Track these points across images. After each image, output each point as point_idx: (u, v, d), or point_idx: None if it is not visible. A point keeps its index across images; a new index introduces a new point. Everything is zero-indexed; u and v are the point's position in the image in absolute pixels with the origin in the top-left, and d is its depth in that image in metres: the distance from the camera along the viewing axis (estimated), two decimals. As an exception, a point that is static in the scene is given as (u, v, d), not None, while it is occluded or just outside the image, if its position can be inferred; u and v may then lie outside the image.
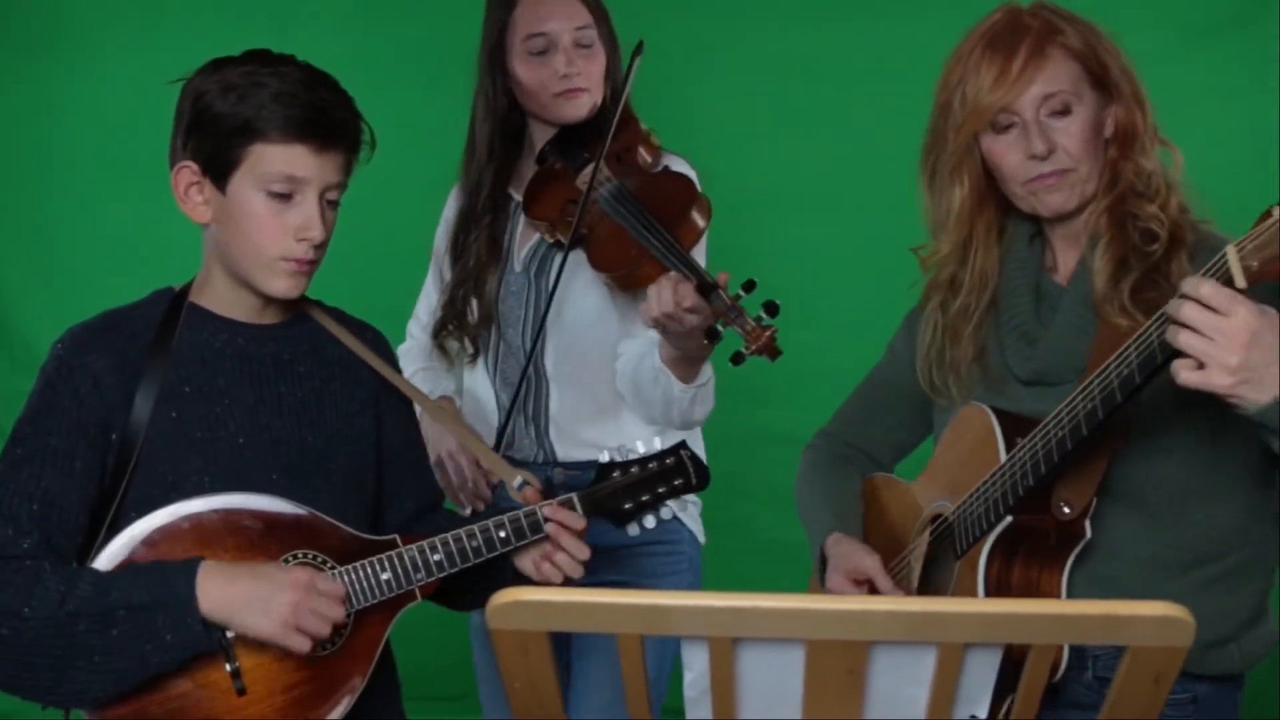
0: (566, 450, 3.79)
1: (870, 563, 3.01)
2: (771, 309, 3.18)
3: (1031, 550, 2.77)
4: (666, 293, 3.24)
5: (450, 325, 3.87)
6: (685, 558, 3.83)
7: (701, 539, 3.91)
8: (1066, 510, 2.72)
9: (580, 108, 3.75)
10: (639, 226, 3.50)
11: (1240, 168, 5.26)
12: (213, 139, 2.77)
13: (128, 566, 2.71)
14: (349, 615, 2.81)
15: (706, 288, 3.25)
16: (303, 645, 2.68)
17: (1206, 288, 2.32)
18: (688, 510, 3.82)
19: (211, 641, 2.67)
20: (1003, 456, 2.78)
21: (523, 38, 3.73)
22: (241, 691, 2.73)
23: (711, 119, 5.57)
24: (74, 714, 2.76)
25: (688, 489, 3.08)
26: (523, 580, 3.00)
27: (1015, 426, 2.81)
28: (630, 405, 3.71)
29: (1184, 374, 2.38)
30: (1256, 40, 5.46)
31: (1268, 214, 2.24)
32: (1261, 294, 2.38)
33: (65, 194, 5.82)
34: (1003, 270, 2.98)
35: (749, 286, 3.23)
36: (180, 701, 2.71)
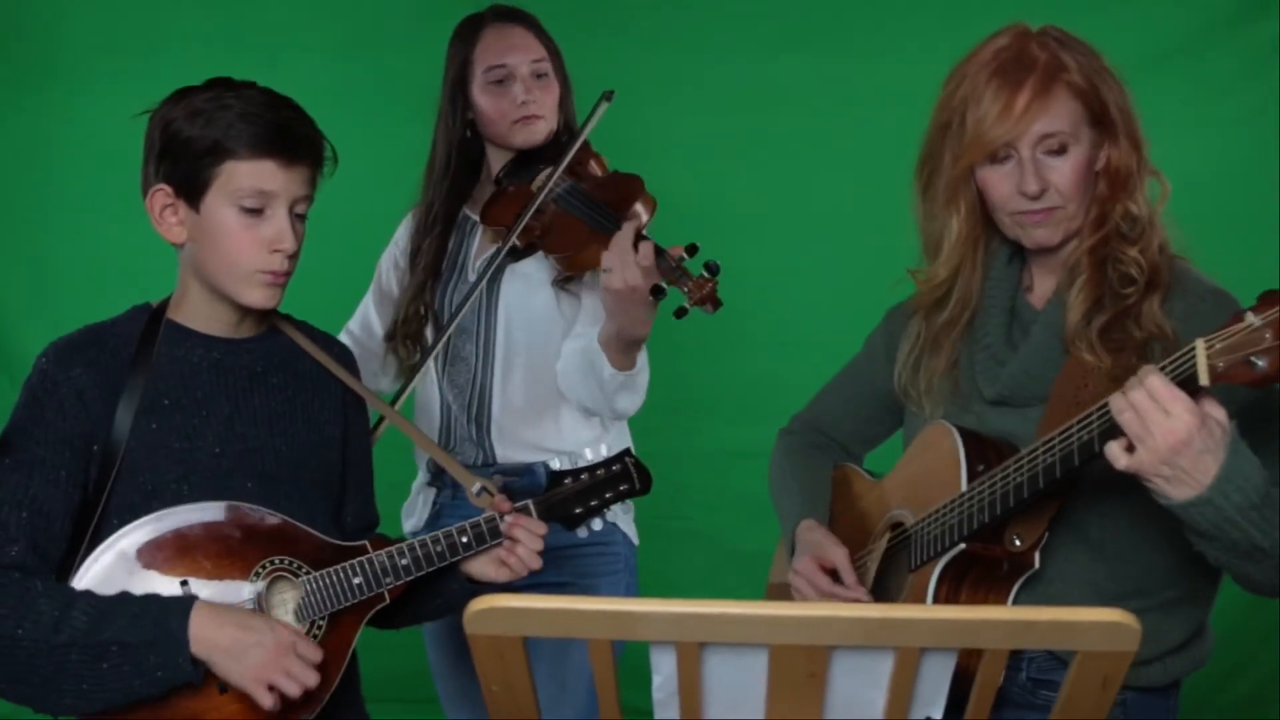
0: (506, 452, 3.85)
1: (839, 554, 3.01)
2: (713, 268, 3.34)
3: (980, 576, 2.77)
4: (620, 238, 3.40)
5: (402, 333, 3.95)
6: (621, 559, 3.88)
7: (635, 541, 3.96)
8: (1018, 542, 2.72)
9: (536, 134, 3.88)
10: (589, 213, 3.64)
11: (1240, 172, 5.32)
12: (185, 161, 2.79)
13: (119, 596, 2.71)
14: (323, 619, 2.84)
15: (656, 252, 3.39)
16: (267, 701, 2.70)
17: (1157, 382, 2.31)
18: (619, 514, 3.89)
19: (197, 676, 2.68)
20: (964, 485, 2.77)
21: (484, 69, 3.89)
22: (223, 690, 2.73)
23: (677, 148, 5.58)
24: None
25: (632, 493, 3.17)
26: (477, 588, 3.02)
27: (979, 452, 2.80)
28: (567, 396, 3.79)
29: (1115, 454, 2.38)
30: (1257, 42, 5.52)
31: (1240, 316, 2.21)
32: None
33: (62, 220, 5.82)
34: (983, 292, 2.96)
35: (692, 250, 3.39)
36: (165, 700, 2.71)
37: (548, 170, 3.79)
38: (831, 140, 5.61)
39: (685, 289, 3.35)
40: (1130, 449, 2.36)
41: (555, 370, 3.79)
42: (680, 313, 3.38)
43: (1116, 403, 2.37)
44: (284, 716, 2.76)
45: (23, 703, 2.71)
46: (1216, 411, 2.34)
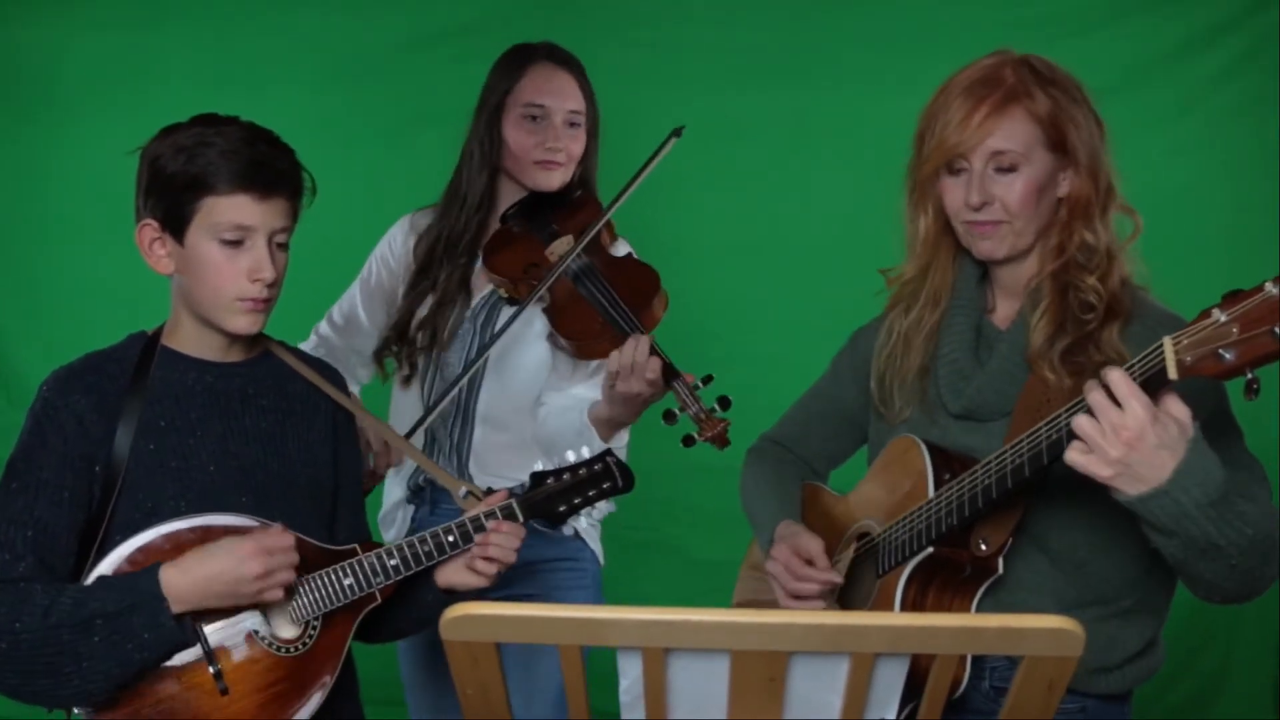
0: (483, 479, 3.75)
1: (814, 544, 2.99)
2: (724, 403, 3.34)
3: (946, 579, 2.77)
4: (629, 350, 3.37)
5: (394, 345, 3.87)
6: (588, 574, 3.88)
7: (601, 560, 3.94)
8: (984, 547, 2.72)
9: (553, 179, 3.80)
10: (604, 304, 3.56)
11: (1179, 201, 5.34)
12: (169, 197, 2.81)
13: (99, 579, 2.72)
14: (317, 620, 2.86)
15: (671, 373, 3.37)
16: (278, 596, 2.75)
17: (1115, 375, 2.31)
18: (589, 532, 3.88)
19: (185, 633, 2.69)
20: (931, 492, 2.77)
21: (522, 104, 3.80)
22: (224, 691, 2.74)
23: (648, 178, 5.58)
24: (74, 715, 2.76)
25: (615, 491, 3.14)
26: (451, 599, 3.01)
27: (945, 464, 2.80)
28: (543, 450, 3.69)
29: (1071, 454, 2.38)
30: (1194, 77, 5.57)
31: (1206, 314, 2.21)
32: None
33: (57, 247, 5.81)
34: (949, 305, 2.97)
35: (707, 380, 3.37)
36: (170, 703, 2.72)
37: (565, 240, 3.72)
38: (796, 169, 5.64)
39: (697, 420, 3.34)
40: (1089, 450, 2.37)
41: (537, 415, 3.77)
42: (688, 441, 3.37)
43: (1086, 390, 2.37)
44: (284, 715, 2.78)
45: (34, 700, 2.72)
46: (1177, 410, 2.34)
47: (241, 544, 2.71)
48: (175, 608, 2.67)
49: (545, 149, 3.78)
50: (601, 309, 3.58)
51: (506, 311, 3.75)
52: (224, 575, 2.69)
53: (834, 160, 5.43)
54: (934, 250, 2.96)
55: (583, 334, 3.57)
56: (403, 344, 3.86)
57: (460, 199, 3.88)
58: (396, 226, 4.02)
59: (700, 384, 3.37)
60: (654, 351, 3.38)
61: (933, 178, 2.88)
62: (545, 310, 3.69)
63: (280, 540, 2.75)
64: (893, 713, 2.02)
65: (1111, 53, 5.47)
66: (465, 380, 3.72)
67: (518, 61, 3.87)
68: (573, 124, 3.83)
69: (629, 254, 3.82)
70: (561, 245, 3.73)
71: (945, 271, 2.97)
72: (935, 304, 2.98)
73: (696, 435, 3.34)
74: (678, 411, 3.37)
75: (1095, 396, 2.33)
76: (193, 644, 2.72)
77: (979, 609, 2.75)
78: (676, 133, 3.76)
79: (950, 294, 2.98)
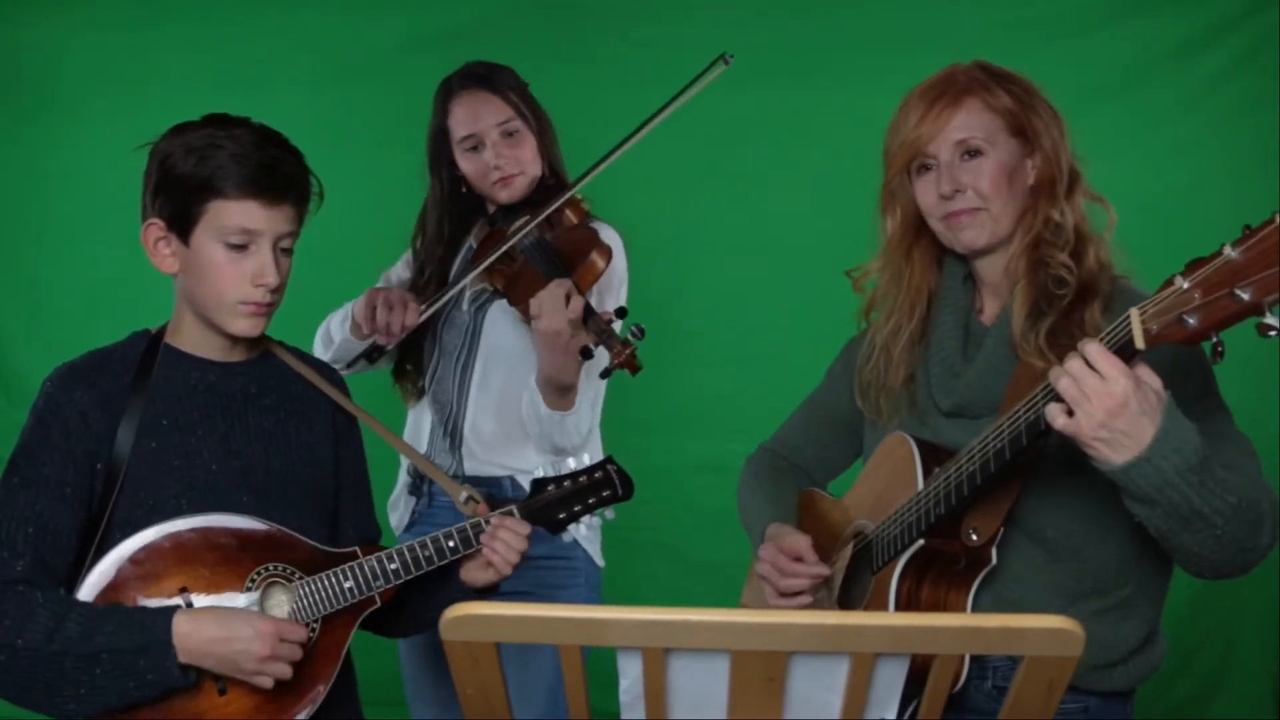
0: (474, 465, 3.95)
1: (802, 541, 3.03)
2: (636, 333, 3.47)
3: (941, 571, 2.77)
4: (547, 291, 3.55)
5: (407, 364, 4.10)
6: (580, 573, 3.96)
7: (599, 562, 4.03)
8: (975, 537, 2.72)
9: (515, 191, 3.92)
10: (547, 268, 3.68)
11: (1176, 200, 5.34)
12: (177, 197, 2.81)
13: (111, 607, 2.72)
14: (317, 621, 2.85)
15: (586, 312, 3.55)
16: (266, 684, 2.72)
17: (1092, 347, 2.32)
18: (583, 534, 3.86)
19: (188, 679, 2.69)
20: (920, 484, 2.78)
21: (458, 139, 3.96)
22: (223, 691, 2.74)
23: (642, 175, 5.57)
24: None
25: (615, 499, 3.16)
26: (475, 593, 3.03)
27: (934, 457, 2.81)
28: (530, 435, 3.88)
29: (1055, 417, 2.38)
30: (1194, 76, 5.56)
31: (1169, 282, 2.23)
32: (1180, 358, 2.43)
33: (57, 246, 5.83)
34: (936, 306, 2.99)
35: (621, 313, 3.53)
36: (168, 702, 2.72)
37: (525, 218, 3.82)
38: (796, 169, 5.64)
39: (611, 350, 3.49)
40: (1070, 413, 2.37)
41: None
42: (605, 373, 3.55)
43: (1054, 372, 2.38)
44: (282, 716, 2.78)
45: (31, 708, 2.73)
46: (1151, 378, 2.35)
47: (261, 622, 2.71)
48: (180, 657, 2.66)
49: (494, 169, 3.90)
50: (544, 272, 3.69)
51: (493, 301, 3.92)
52: (232, 643, 2.68)
53: (834, 160, 5.40)
54: (901, 253, 3.00)
55: (527, 299, 3.65)
56: (413, 363, 4.06)
57: (423, 233, 4.10)
58: (402, 260, 4.20)
59: (615, 318, 3.52)
60: (579, 293, 3.56)
61: (901, 179, 2.93)
62: (502, 290, 3.83)
63: (295, 633, 2.75)
64: (893, 713, 2.02)
65: (1111, 53, 5.48)
66: (459, 373, 3.95)
67: (441, 99, 4.03)
68: (509, 134, 3.92)
69: (582, 223, 3.89)
70: (519, 224, 3.83)
71: (921, 278, 3.01)
72: (912, 312, 3.00)
73: (609, 364, 3.50)
74: (593, 347, 3.51)
75: (1074, 364, 2.34)
76: (194, 686, 2.72)
77: (976, 602, 2.74)
78: (724, 59, 3.85)
79: (932, 299, 3.01)
